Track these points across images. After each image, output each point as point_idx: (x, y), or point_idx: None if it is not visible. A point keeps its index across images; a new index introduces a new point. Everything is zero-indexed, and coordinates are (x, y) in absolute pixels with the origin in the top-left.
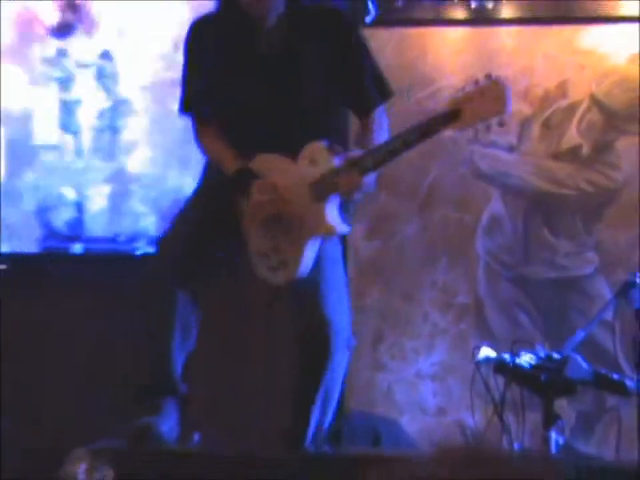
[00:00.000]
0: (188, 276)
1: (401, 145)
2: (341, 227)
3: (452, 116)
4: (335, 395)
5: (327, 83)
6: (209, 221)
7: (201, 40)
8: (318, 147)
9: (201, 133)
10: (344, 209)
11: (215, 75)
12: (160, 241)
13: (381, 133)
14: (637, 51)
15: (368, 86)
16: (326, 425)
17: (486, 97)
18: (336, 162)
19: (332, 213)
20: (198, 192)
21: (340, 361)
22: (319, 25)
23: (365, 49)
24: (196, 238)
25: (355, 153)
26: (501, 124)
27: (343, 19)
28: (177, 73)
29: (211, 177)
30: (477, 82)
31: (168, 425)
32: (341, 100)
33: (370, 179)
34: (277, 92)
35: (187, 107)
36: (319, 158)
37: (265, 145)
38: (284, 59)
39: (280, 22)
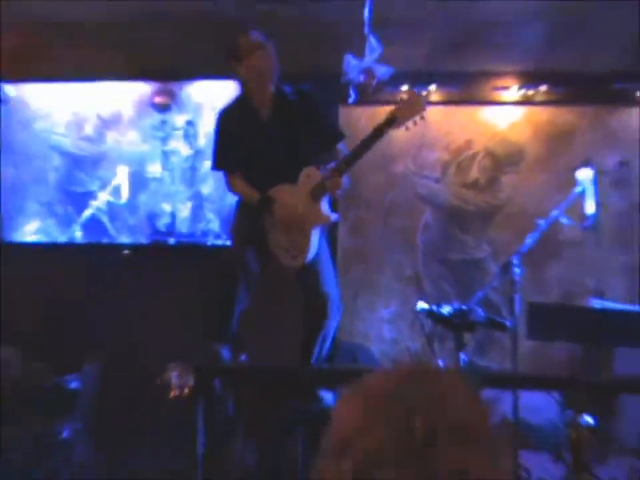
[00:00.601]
0: (243, 265)
1: (361, 148)
2: (332, 216)
3: (390, 121)
4: (330, 337)
5: (304, 134)
6: (249, 233)
7: (224, 122)
8: (311, 168)
9: (230, 181)
10: (332, 206)
11: (236, 141)
12: (229, 248)
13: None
14: (514, 121)
15: (330, 130)
16: (325, 352)
17: (409, 104)
18: (322, 174)
19: (325, 207)
20: (237, 213)
21: (333, 318)
22: (294, 100)
23: (323, 110)
24: (245, 243)
25: (332, 164)
26: (422, 118)
27: (309, 96)
28: None
29: (244, 202)
30: (402, 97)
31: (226, 351)
32: (315, 142)
33: (346, 179)
34: (275, 146)
35: (217, 165)
36: (312, 174)
37: (272, 179)
38: (276, 125)
39: (272, 102)
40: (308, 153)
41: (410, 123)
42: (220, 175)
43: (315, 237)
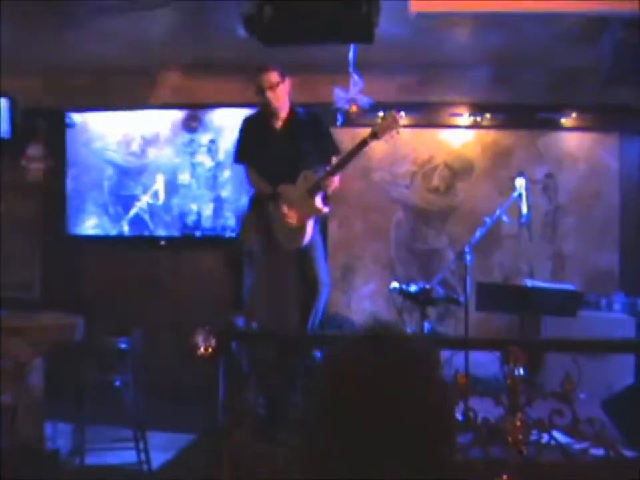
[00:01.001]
0: (252, 248)
1: (349, 155)
2: (325, 209)
3: (373, 135)
4: (321, 310)
5: (309, 147)
6: (257, 220)
7: (247, 127)
8: (307, 171)
9: (249, 173)
10: (325, 201)
11: (254, 144)
12: (239, 231)
13: None
14: (466, 141)
15: (330, 146)
16: (317, 322)
17: (388, 121)
18: (318, 175)
19: (319, 202)
20: (250, 206)
21: (323, 296)
22: (305, 119)
23: (327, 130)
24: (254, 229)
25: (327, 167)
26: (397, 132)
27: (317, 116)
28: None
29: (255, 198)
30: (383, 115)
31: (241, 319)
32: (316, 154)
33: (336, 179)
34: (285, 152)
35: (238, 159)
36: (308, 176)
37: (280, 178)
38: (288, 136)
39: (286, 118)
40: (308, 161)
41: (388, 136)
42: (239, 180)
43: (310, 226)
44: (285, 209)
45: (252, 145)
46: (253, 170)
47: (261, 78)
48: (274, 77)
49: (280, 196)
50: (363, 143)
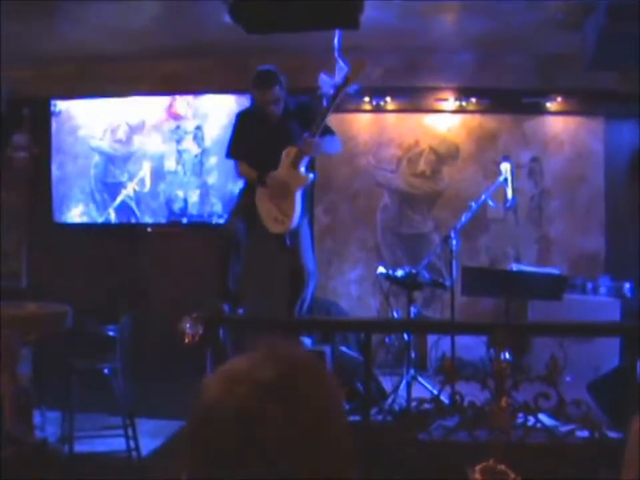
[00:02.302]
0: (238, 237)
1: (325, 111)
2: (309, 176)
3: (346, 83)
4: (308, 299)
5: (300, 134)
6: (245, 209)
7: (240, 122)
8: (288, 148)
9: (239, 167)
10: (309, 168)
11: (248, 137)
12: (226, 221)
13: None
14: (452, 125)
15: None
16: (304, 309)
17: (356, 67)
18: (298, 145)
19: (302, 170)
20: (240, 196)
21: (310, 285)
22: (294, 110)
23: (317, 117)
24: (241, 219)
25: (306, 134)
26: (364, 72)
27: (306, 104)
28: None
29: (244, 189)
30: (351, 64)
31: (227, 306)
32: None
33: (317, 140)
34: (277, 144)
35: (230, 155)
36: (290, 151)
37: (269, 166)
38: (280, 128)
39: (279, 114)
40: None
41: (357, 79)
42: (226, 167)
43: (299, 203)
44: (270, 187)
45: (245, 140)
46: (242, 163)
47: (262, 93)
48: (275, 92)
49: (267, 179)
50: (337, 94)
